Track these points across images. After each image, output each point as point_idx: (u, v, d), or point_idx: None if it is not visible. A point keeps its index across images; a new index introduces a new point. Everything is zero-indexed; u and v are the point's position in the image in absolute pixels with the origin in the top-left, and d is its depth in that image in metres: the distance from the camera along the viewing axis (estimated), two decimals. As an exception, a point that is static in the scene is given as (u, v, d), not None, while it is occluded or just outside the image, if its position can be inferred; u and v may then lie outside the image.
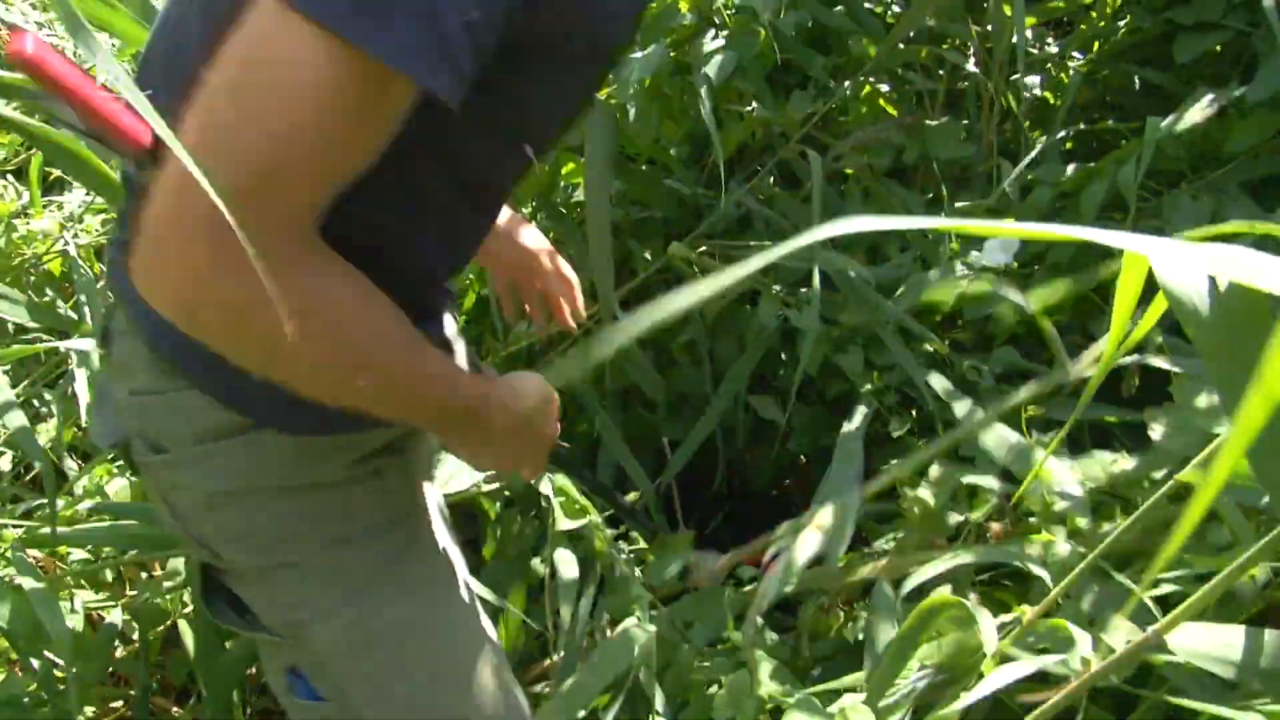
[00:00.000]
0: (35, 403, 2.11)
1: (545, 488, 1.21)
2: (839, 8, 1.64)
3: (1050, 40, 1.81)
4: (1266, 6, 1.28)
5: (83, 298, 1.97)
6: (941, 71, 1.75)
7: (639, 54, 1.49)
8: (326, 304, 0.62)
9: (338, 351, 0.64)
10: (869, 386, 1.44)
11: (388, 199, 0.68)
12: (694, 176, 1.69)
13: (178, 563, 1.36)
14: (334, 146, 0.56)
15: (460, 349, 0.92)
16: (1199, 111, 1.31)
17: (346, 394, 0.67)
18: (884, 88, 1.68)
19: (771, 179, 1.67)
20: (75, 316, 2.01)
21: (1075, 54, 1.75)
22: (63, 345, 1.65)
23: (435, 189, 0.74)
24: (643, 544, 1.45)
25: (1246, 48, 1.49)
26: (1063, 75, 1.68)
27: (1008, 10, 1.47)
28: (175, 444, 0.79)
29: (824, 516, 1.23)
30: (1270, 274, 0.34)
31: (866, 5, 1.67)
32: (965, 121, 1.73)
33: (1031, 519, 1.07)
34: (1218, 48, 1.51)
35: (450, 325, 0.91)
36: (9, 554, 1.21)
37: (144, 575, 1.46)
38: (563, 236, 1.63)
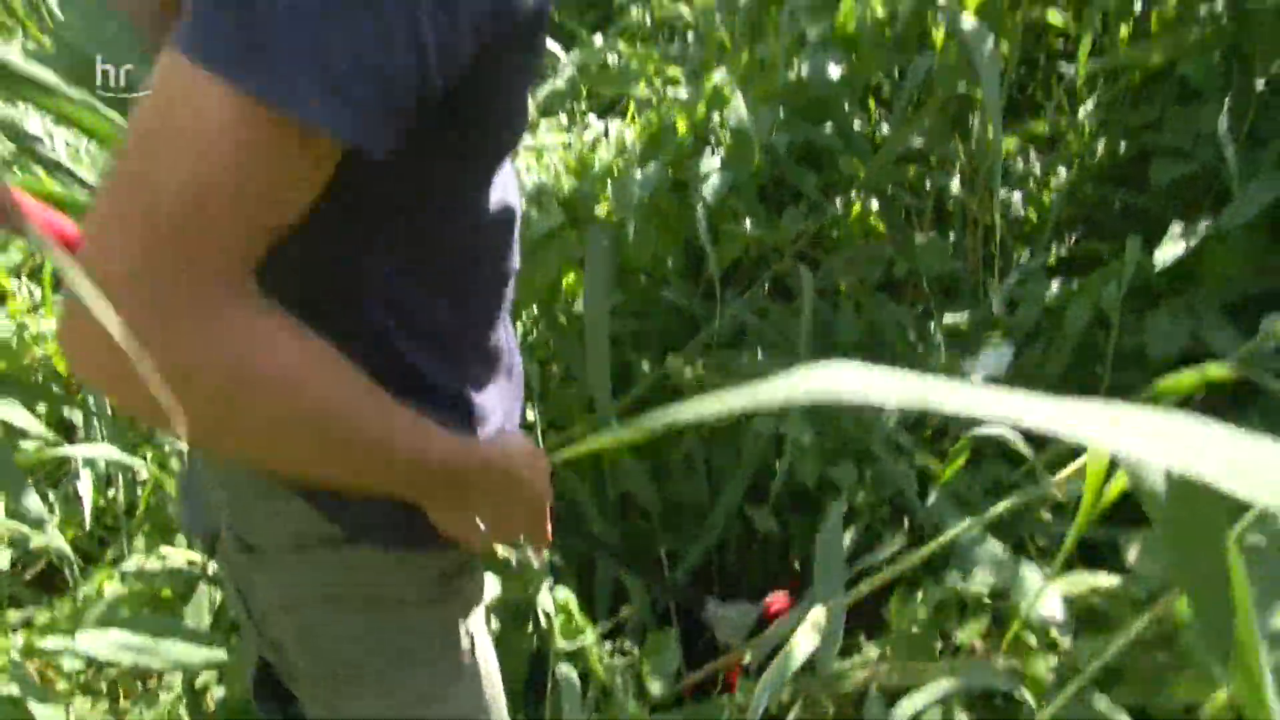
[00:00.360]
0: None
1: (545, 603, 1.23)
2: (829, 125, 1.70)
3: (1034, 157, 1.87)
4: (1223, 141, 1.34)
5: (90, 397, 2.00)
6: (929, 185, 1.82)
7: (639, 172, 1.55)
8: (269, 355, 0.57)
9: (285, 408, 0.59)
10: (861, 498, 1.47)
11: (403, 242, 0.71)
12: (690, 288, 1.74)
13: (174, 678, 1.37)
14: (251, 195, 0.54)
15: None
16: (1174, 242, 1.37)
17: (300, 459, 0.63)
18: (874, 204, 1.74)
19: (766, 289, 1.72)
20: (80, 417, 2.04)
21: (1061, 167, 1.82)
22: (69, 450, 1.67)
23: (445, 216, 0.74)
24: (638, 654, 1.46)
25: (1219, 173, 1.55)
26: (1045, 194, 1.74)
27: (991, 131, 1.53)
28: (265, 545, 0.80)
29: (817, 615, 1.24)
30: (1233, 463, 0.36)
31: (856, 124, 1.74)
32: (952, 236, 1.79)
33: (1021, 638, 1.09)
34: (1193, 167, 1.58)
35: (497, 412, 0.87)
36: (9, 666, 1.22)
37: (141, 687, 1.46)
38: (561, 347, 1.67)
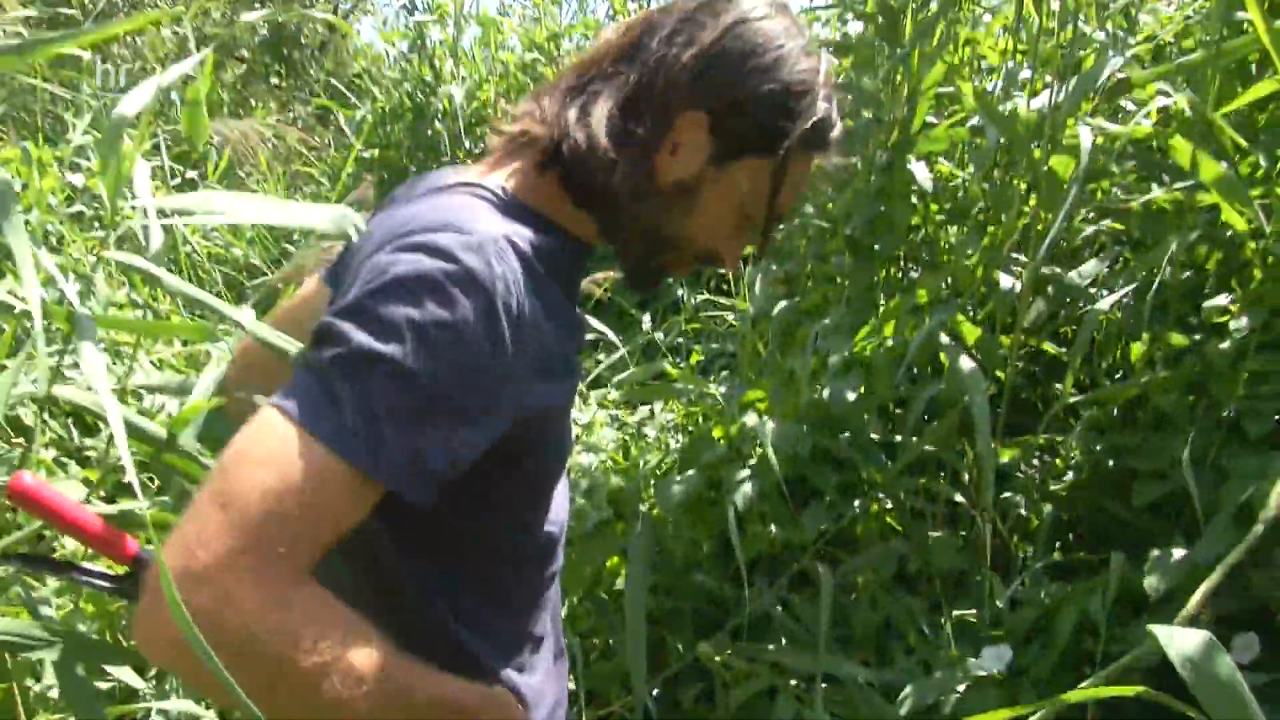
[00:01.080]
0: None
1: None
2: (847, 434, 1.94)
3: (1036, 463, 2.08)
4: (1186, 474, 1.53)
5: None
6: (941, 477, 2.02)
7: (678, 479, 1.78)
8: (324, 634, 0.70)
9: (333, 674, 0.70)
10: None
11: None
12: (722, 573, 1.93)
13: None
14: (315, 515, 0.70)
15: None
16: (1153, 572, 1.54)
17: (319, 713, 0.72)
18: (889, 505, 1.94)
19: (790, 581, 1.90)
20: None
21: (1061, 476, 2.02)
22: (154, 706, 1.84)
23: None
24: None
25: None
26: (1043, 504, 1.93)
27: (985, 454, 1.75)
28: None
29: None
30: None
31: (874, 434, 1.97)
32: (963, 533, 1.98)
33: None
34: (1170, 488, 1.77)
35: (547, 694, 1.05)
36: None
37: None
38: (602, 626, 1.85)
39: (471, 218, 0.84)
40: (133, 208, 1.04)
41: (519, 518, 0.99)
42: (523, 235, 0.86)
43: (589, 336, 2.88)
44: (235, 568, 0.66)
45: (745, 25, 0.93)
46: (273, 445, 0.71)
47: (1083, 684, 0.96)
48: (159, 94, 1.05)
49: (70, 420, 3.00)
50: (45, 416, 3.09)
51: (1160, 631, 1.00)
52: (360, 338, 0.73)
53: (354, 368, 0.73)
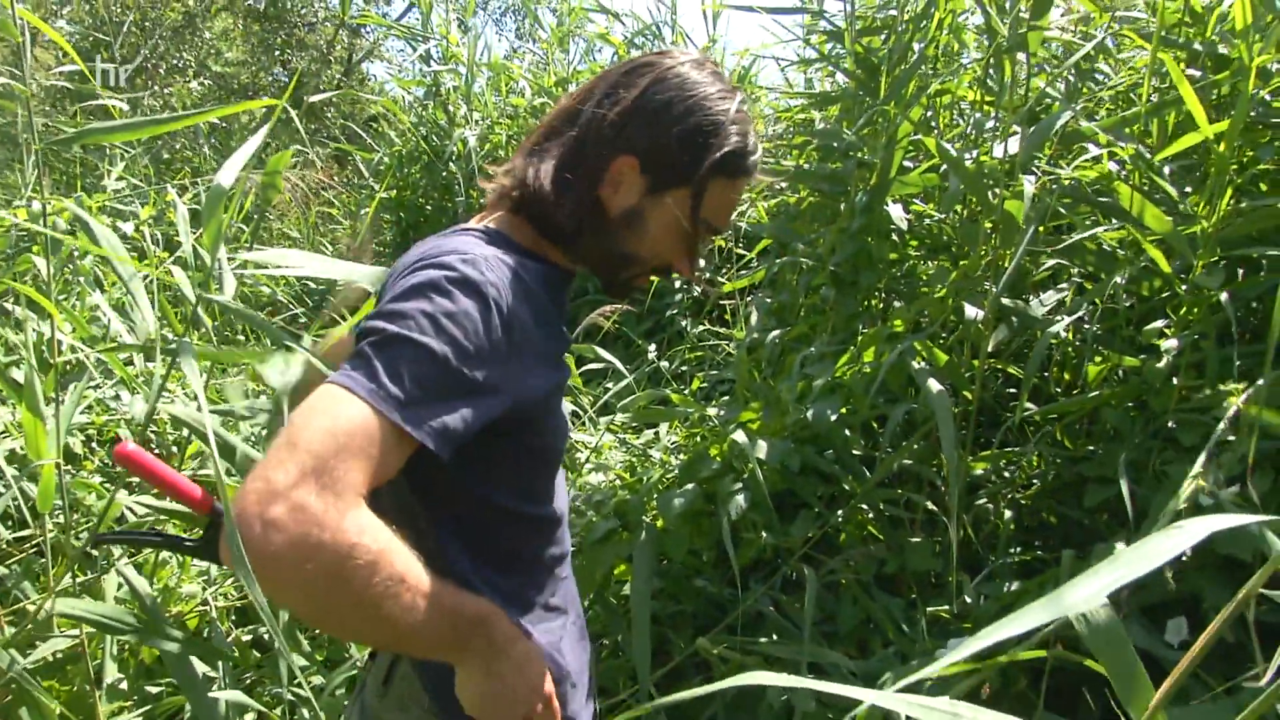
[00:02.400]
0: (156, 742, 2.47)
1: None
2: (829, 452, 2.15)
3: (1006, 474, 2.29)
4: (1121, 478, 1.73)
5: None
6: (921, 487, 2.23)
7: (679, 492, 1.99)
8: (375, 540, 0.87)
9: (381, 572, 0.87)
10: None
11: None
12: (719, 577, 2.13)
13: None
14: (362, 456, 0.87)
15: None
16: (1099, 556, 1.75)
17: (373, 607, 0.88)
18: (869, 513, 2.15)
19: (781, 582, 2.11)
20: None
21: (1021, 485, 2.23)
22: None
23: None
24: None
25: (1135, 496, 1.94)
26: (1006, 510, 2.14)
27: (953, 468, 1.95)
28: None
29: None
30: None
31: (855, 450, 2.18)
32: (937, 538, 2.18)
33: None
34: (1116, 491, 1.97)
35: (574, 664, 1.26)
36: None
37: None
38: (611, 625, 2.06)
39: (468, 246, 1.10)
40: (230, 258, 1.27)
41: (529, 487, 1.21)
42: (511, 256, 1.11)
43: (598, 366, 3.09)
44: (306, 487, 0.83)
45: (663, 82, 1.19)
46: (329, 405, 0.90)
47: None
48: (249, 163, 1.28)
49: (110, 447, 3.22)
50: (93, 445, 3.33)
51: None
52: (388, 327, 0.97)
53: (384, 348, 0.95)
